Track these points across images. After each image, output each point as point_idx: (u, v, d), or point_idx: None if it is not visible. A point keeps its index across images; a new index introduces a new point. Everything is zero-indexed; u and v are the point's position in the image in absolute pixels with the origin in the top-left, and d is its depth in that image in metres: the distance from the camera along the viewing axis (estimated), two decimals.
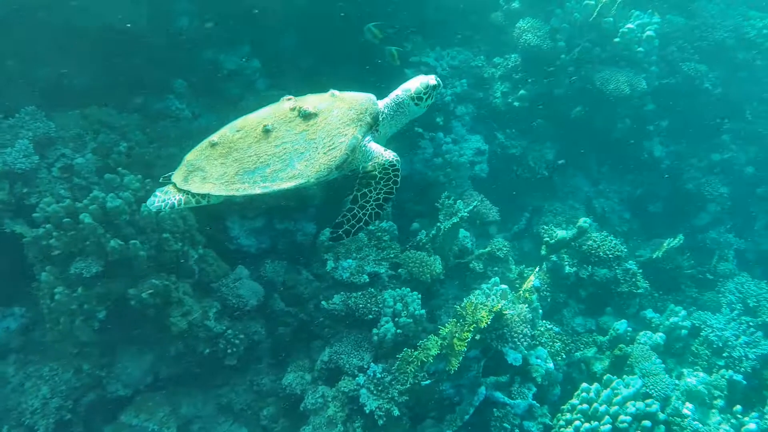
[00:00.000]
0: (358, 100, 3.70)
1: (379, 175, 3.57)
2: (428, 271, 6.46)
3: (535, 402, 6.22)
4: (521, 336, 5.57)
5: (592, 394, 6.07)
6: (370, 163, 3.60)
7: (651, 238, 9.25)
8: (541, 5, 8.95)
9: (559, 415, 6.16)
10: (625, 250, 7.04)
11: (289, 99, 3.68)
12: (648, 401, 6.16)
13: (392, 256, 6.80)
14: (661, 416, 6.17)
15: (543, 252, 7.12)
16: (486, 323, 5.28)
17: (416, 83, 3.77)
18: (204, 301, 7.24)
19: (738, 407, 7.17)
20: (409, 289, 6.31)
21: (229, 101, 8.45)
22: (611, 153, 9.43)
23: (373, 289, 6.63)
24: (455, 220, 6.53)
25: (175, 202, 3.58)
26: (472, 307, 5.36)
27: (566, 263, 6.92)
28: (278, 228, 8.89)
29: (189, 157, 3.68)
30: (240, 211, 8.78)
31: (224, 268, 7.63)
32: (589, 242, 6.83)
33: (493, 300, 6.30)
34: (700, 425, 6.97)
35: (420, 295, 6.31)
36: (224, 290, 7.27)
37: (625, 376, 6.37)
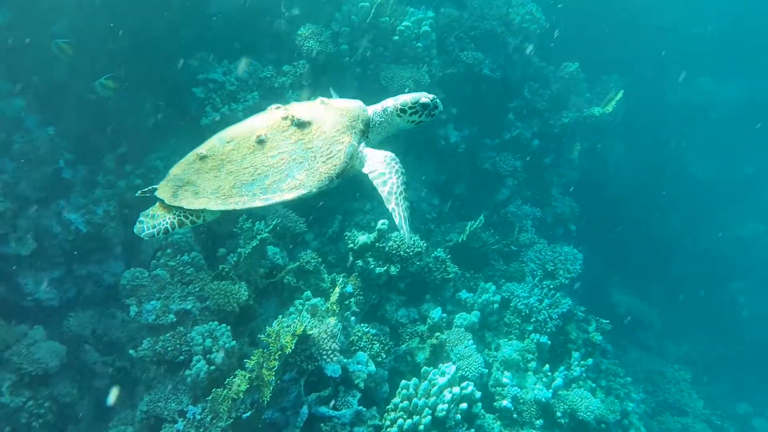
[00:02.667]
0: (349, 107, 3.64)
1: (386, 171, 3.52)
2: (234, 301, 6.29)
3: (361, 407, 6.30)
4: (330, 352, 5.60)
5: (411, 390, 6.28)
6: (370, 169, 3.55)
7: (461, 219, 9.75)
8: (322, 9, 9.01)
9: (386, 414, 6.33)
10: (424, 245, 7.34)
11: (278, 108, 3.51)
12: (464, 384, 6.49)
13: (198, 289, 6.54)
14: (477, 395, 6.53)
15: (350, 258, 7.23)
16: (290, 348, 5.23)
17: (408, 96, 3.76)
18: None
19: (546, 366, 7.84)
20: (216, 323, 6.10)
21: None
22: (412, 144, 9.78)
23: (182, 328, 6.36)
24: (255, 243, 6.41)
25: (168, 226, 3.31)
26: (275, 334, 5.29)
27: (374, 265, 7.08)
28: (81, 273, 8.30)
29: (174, 171, 3.39)
30: (33, 264, 8.07)
31: (16, 333, 6.94)
32: (390, 243, 7.03)
33: (303, 316, 6.29)
34: (519, 390, 7.54)
35: (229, 327, 6.14)
36: (17, 359, 6.62)
37: (440, 365, 6.65)
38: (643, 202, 14.27)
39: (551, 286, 8.68)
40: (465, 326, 7.71)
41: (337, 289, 6.23)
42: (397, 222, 3.53)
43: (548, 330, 8.21)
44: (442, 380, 6.32)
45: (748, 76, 14.13)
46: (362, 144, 3.63)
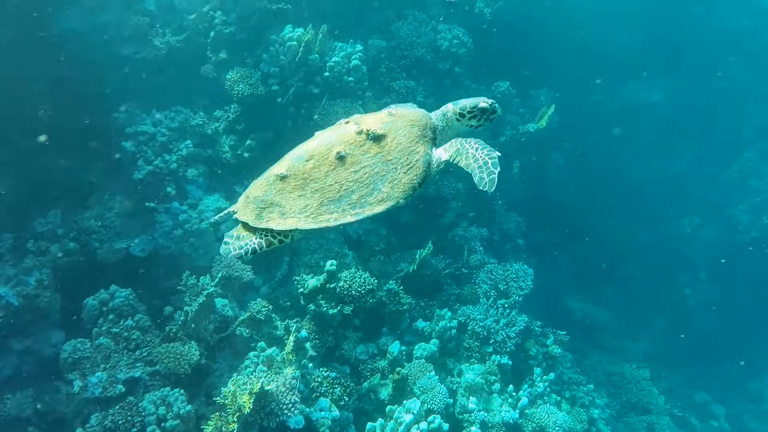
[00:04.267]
0: (416, 116, 3.72)
1: (462, 148, 3.64)
2: (185, 362, 6.05)
3: None
4: (290, 405, 5.43)
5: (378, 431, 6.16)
6: (448, 154, 3.67)
7: (410, 247, 9.71)
8: (249, 51, 8.92)
9: None
10: (375, 281, 7.25)
11: (347, 122, 3.59)
12: (430, 418, 6.41)
13: (146, 354, 6.26)
14: (445, 427, 6.45)
15: (302, 302, 7.08)
16: (249, 408, 5.04)
17: (467, 101, 3.82)
18: None
19: (510, 387, 7.83)
20: (169, 388, 5.84)
21: None
22: None
23: (132, 398, 6.06)
24: (202, 300, 6.20)
25: (256, 246, 3.37)
26: (231, 395, 5.09)
27: (326, 308, 6.95)
28: (17, 349, 7.84)
29: (254, 193, 3.44)
30: None
31: None
32: (341, 284, 6.93)
33: (259, 370, 6.10)
34: (486, 414, 7.49)
35: (183, 391, 5.88)
36: None
37: (405, 401, 6.55)
38: (585, 208, 14.60)
39: (506, 305, 8.71)
40: (425, 357, 7.65)
41: (292, 338, 6.08)
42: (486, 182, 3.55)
43: (508, 349, 8.22)
44: (407, 417, 6.23)
45: (671, 78, 14.73)
46: (434, 150, 3.75)
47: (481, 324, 8.29)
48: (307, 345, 6.96)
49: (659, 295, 15.05)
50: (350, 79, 8.75)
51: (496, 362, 7.99)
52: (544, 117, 11.06)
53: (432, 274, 8.97)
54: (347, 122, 3.61)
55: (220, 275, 6.85)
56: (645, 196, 14.95)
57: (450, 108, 3.89)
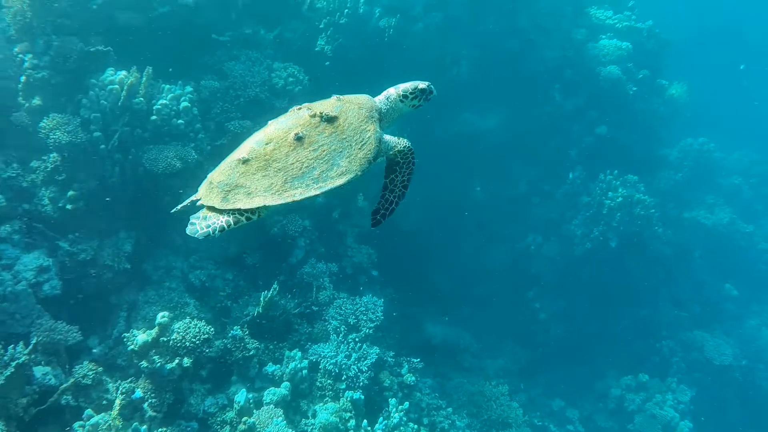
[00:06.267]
0: (363, 99, 4.00)
1: (401, 161, 4.03)
2: None
3: None
4: None
5: None
6: (392, 152, 3.99)
7: (259, 290, 9.45)
8: (68, 96, 8.38)
9: None
10: (212, 330, 6.97)
11: (300, 108, 3.81)
12: None
13: None
14: None
15: (135, 360, 6.63)
16: None
17: (408, 84, 4.16)
18: None
19: (364, 422, 7.79)
20: None
21: None
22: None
23: None
24: (10, 372, 5.58)
25: (224, 224, 3.44)
26: None
27: (160, 363, 6.54)
28: None
29: (217, 178, 3.54)
30: None
31: None
32: (174, 336, 6.57)
33: None
34: None
35: None
36: None
37: None
38: (437, 234, 15.09)
39: (357, 339, 8.71)
40: (275, 402, 7.44)
41: (118, 401, 5.64)
42: (380, 210, 4.07)
43: (361, 384, 8.20)
44: None
45: (504, 107, 15.73)
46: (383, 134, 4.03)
47: (332, 361, 8.21)
48: (145, 405, 6.51)
49: (513, 311, 15.83)
50: (180, 121, 8.46)
51: (349, 398, 7.93)
52: None
53: (281, 315, 8.79)
54: (299, 108, 3.84)
55: (35, 341, 6.23)
56: (491, 218, 15.74)
57: (392, 92, 4.22)
